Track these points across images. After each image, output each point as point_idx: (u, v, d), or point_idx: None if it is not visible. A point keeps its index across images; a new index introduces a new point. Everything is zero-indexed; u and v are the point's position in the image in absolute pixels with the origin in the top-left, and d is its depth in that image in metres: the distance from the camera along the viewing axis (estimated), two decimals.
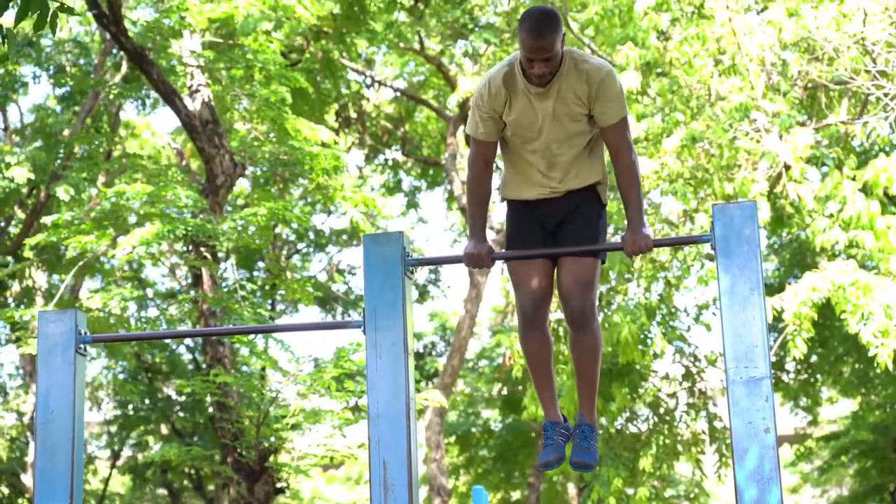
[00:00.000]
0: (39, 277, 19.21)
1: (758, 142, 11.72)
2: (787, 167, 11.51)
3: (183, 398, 21.22)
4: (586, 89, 4.92)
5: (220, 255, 13.83)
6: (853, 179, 11.74)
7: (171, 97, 13.11)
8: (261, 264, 21.83)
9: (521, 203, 5.16)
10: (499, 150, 5.21)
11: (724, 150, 11.87)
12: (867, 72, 11.73)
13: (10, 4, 4.70)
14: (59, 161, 17.26)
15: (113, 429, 23.28)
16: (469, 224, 5.20)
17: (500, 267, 19.38)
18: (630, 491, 15.24)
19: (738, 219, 4.48)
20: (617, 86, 4.95)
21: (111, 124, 18.84)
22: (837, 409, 23.68)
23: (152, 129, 21.69)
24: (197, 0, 13.41)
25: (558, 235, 5.09)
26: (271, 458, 12.05)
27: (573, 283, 5.00)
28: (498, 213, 21.23)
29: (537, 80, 4.89)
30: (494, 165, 5.21)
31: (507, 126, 5.05)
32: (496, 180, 5.40)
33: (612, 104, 4.93)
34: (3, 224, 19.19)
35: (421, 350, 25.23)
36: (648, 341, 13.14)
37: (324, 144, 14.00)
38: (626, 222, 5.20)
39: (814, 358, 18.30)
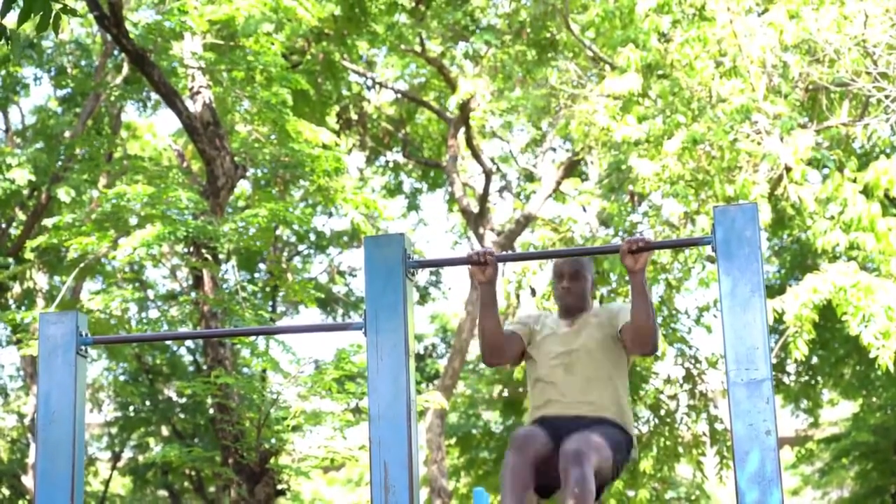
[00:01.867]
0: (40, 279, 19.22)
1: (759, 144, 11.72)
2: (788, 169, 11.50)
3: (184, 400, 21.23)
4: (607, 314, 5.30)
5: (220, 256, 13.83)
6: (854, 181, 11.74)
7: (172, 99, 13.11)
8: (262, 266, 21.84)
9: (541, 422, 5.24)
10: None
11: (724, 151, 11.88)
12: (868, 74, 11.73)
13: (13, 6, 4.71)
14: (60, 163, 17.27)
15: (114, 430, 23.29)
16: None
17: (500, 269, 19.34)
18: (631, 493, 15.25)
19: (739, 221, 4.48)
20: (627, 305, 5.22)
21: (112, 126, 18.85)
22: (838, 411, 23.67)
23: (153, 130, 21.70)
24: (198, 2, 13.42)
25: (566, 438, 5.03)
26: (272, 460, 12.05)
27: (575, 438, 4.94)
28: (499, 214, 21.25)
29: (566, 299, 5.29)
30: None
31: (532, 352, 5.32)
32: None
33: (624, 309, 5.25)
34: (3, 226, 19.19)
35: (422, 352, 25.24)
36: None
37: (325, 146, 14.00)
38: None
39: (815, 360, 18.31)
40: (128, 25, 12.96)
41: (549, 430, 5.10)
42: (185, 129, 13.76)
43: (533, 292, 14.14)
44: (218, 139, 13.37)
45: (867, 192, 11.67)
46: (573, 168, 18.78)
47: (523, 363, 5.44)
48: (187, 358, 22.43)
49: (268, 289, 20.85)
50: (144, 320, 18.73)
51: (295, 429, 11.72)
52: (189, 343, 21.24)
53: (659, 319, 13.55)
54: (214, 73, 14.01)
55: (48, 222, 14.00)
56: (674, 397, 15.61)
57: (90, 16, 12.84)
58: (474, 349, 23.72)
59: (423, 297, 22.96)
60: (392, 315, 4.62)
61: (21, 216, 18.97)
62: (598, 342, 5.22)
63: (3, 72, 17.83)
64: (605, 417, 5.16)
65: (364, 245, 4.77)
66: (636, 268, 4.88)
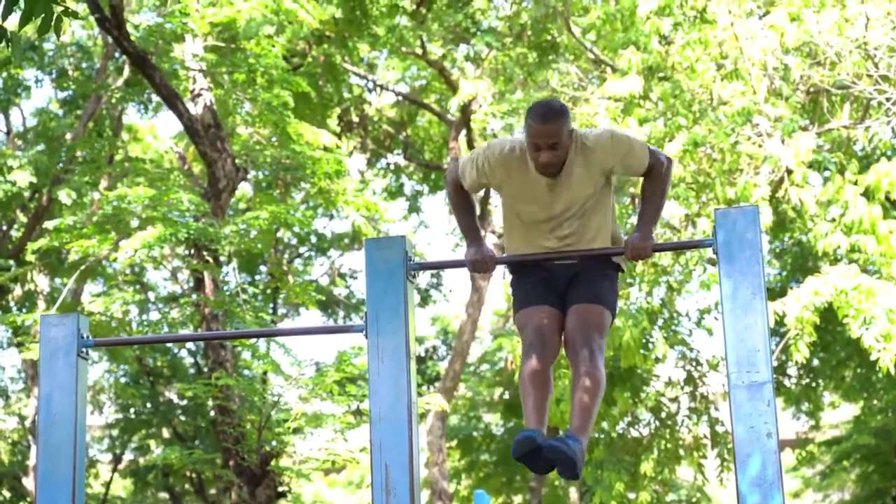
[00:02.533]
0: (41, 281, 19.21)
1: (760, 146, 11.71)
2: (789, 171, 11.50)
3: (184, 402, 21.21)
4: (600, 161, 4.90)
5: (221, 258, 13.83)
6: (855, 184, 11.73)
7: (173, 101, 13.11)
8: (263, 268, 21.82)
9: (527, 266, 5.06)
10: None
11: (726, 154, 11.88)
12: (869, 76, 11.73)
13: (14, 8, 4.71)
14: (61, 165, 17.28)
15: (114, 432, 23.28)
16: (464, 233, 5.11)
17: (501, 271, 19.36)
18: (632, 495, 15.24)
19: (740, 223, 4.48)
20: (624, 138, 4.94)
21: (113, 128, 18.85)
22: (839, 414, 23.65)
23: (155, 132, 21.71)
24: (199, 5, 13.43)
25: (568, 294, 4.98)
26: (273, 462, 12.05)
27: (579, 323, 4.90)
28: (498, 216, 21.22)
29: (543, 170, 4.84)
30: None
31: (510, 203, 5.00)
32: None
33: (631, 156, 4.93)
34: (5, 228, 19.19)
35: (423, 354, 25.22)
36: (650, 345, 13.14)
37: (326, 148, 14.00)
38: (626, 224, 5.21)
39: (816, 362, 18.29)
40: (129, 28, 12.96)
41: (550, 285, 4.98)
42: (186, 132, 13.76)
43: None
44: (219, 141, 13.37)
45: (868, 194, 11.67)
46: None
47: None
48: (188, 360, 22.43)
49: (269, 291, 20.84)
50: (145, 322, 18.72)
51: (296, 431, 11.72)
52: (190, 345, 21.23)
53: (660, 322, 13.54)
54: (216, 75, 14.02)
55: (49, 224, 14.01)
56: (675, 400, 15.60)
57: (91, 18, 12.85)
58: (475, 351, 23.75)
59: (424, 300, 22.95)
60: (393, 317, 4.62)
61: (22, 218, 18.97)
62: (587, 197, 4.91)
63: (5, 74, 17.82)
64: (602, 256, 5.00)
65: (365, 247, 4.77)
66: (647, 256, 4.92)
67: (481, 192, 5.32)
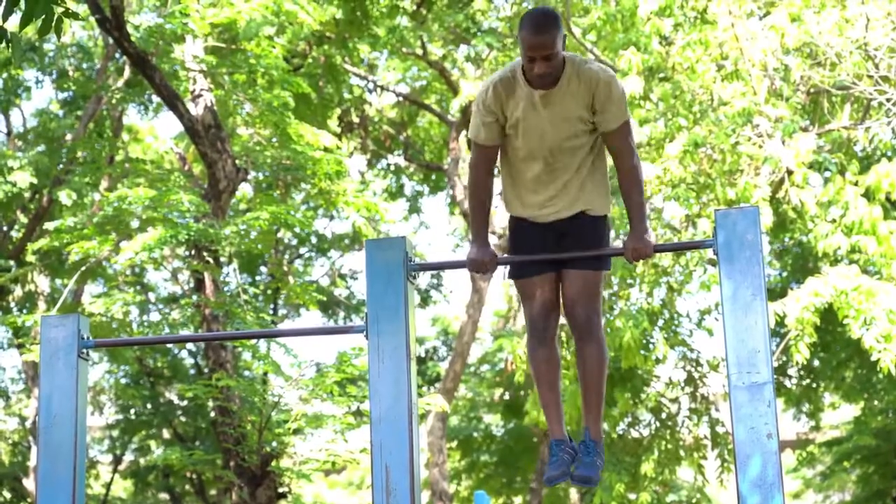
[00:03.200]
0: (42, 282, 19.22)
1: (760, 147, 11.71)
2: (790, 172, 11.50)
3: (185, 402, 21.22)
4: (588, 94, 4.92)
5: (222, 259, 13.83)
6: (855, 185, 11.73)
7: (173, 102, 13.11)
8: (263, 269, 21.83)
9: (523, 219, 5.18)
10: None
11: (726, 155, 11.88)
12: (869, 77, 11.73)
13: (15, 9, 4.71)
14: (61, 165, 17.28)
15: (115, 433, 23.29)
16: (472, 229, 5.20)
17: (502, 272, 19.35)
18: (632, 496, 15.24)
19: (741, 224, 4.48)
20: (619, 90, 4.95)
21: (114, 129, 18.86)
22: (840, 415, 23.65)
23: (155, 133, 21.72)
24: (199, 5, 13.43)
25: (561, 247, 5.08)
26: (273, 463, 12.05)
27: (577, 293, 5.01)
28: (500, 217, 21.23)
29: (538, 81, 4.87)
30: (496, 171, 5.21)
31: (509, 130, 5.03)
32: (497, 185, 5.39)
33: (614, 108, 4.94)
34: (5, 228, 19.20)
35: (423, 355, 25.23)
36: (651, 346, 13.14)
37: (326, 149, 14.01)
38: (627, 225, 5.21)
39: (816, 363, 18.29)
40: (129, 28, 12.96)
41: (546, 241, 5.07)
42: (186, 132, 13.76)
43: None
44: (219, 142, 13.37)
45: (868, 195, 11.67)
46: None
47: None
48: (188, 361, 22.43)
49: (269, 292, 20.85)
50: (146, 323, 18.72)
51: (296, 432, 11.72)
52: (190, 346, 21.24)
53: (660, 322, 13.54)
54: (216, 76, 14.02)
55: (49, 225, 14.01)
56: (675, 400, 15.59)
57: (92, 19, 12.85)
58: (476, 352, 23.76)
59: (425, 300, 22.96)
60: (393, 318, 4.62)
61: (22, 219, 18.98)
62: (575, 120, 4.94)
63: (5, 75, 17.84)
64: (596, 215, 5.10)
65: (365, 248, 4.77)
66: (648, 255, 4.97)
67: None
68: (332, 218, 21.34)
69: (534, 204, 5.09)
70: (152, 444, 23.56)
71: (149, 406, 21.91)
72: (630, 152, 5.01)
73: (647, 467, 15.02)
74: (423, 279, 22.34)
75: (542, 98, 4.91)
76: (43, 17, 4.70)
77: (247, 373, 17.60)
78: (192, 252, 13.57)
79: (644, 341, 12.92)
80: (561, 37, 4.85)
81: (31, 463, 19.51)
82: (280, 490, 12.29)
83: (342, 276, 22.68)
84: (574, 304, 5.01)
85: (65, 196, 16.03)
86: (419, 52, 18.95)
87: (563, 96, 4.92)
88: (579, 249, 5.03)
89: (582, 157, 5.04)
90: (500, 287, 22.07)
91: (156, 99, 17.40)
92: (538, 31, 4.79)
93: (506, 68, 5.04)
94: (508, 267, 5.26)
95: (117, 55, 17.56)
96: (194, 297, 14.00)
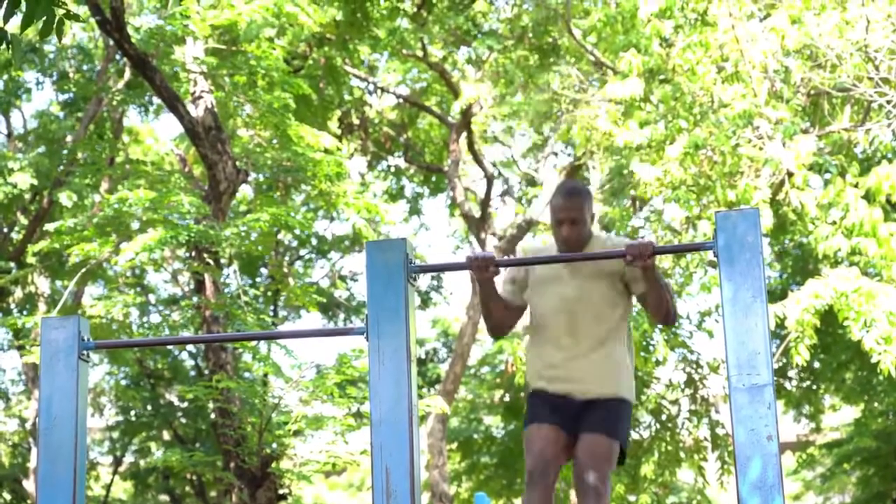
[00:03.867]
0: (42, 283, 19.22)
1: (760, 149, 11.72)
2: (790, 174, 11.50)
3: (185, 404, 21.23)
4: (615, 266, 5.08)
5: (222, 261, 13.83)
6: (856, 187, 11.73)
7: (174, 103, 13.12)
8: (263, 270, 21.84)
9: (543, 395, 5.19)
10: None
11: (726, 157, 11.88)
12: (870, 79, 11.73)
13: (16, 11, 4.71)
14: (61, 167, 17.28)
15: (115, 435, 23.30)
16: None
17: (502, 274, 19.33)
18: (632, 497, 15.25)
19: (741, 226, 4.48)
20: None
21: (114, 130, 18.86)
22: (840, 417, 23.65)
23: (155, 135, 21.72)
24: (200, 7, 13.43)
25: (580, 420, 5.09)
26: (273, 465, 12.05)
27: (588, 457, 5.02)
28: (500, 219, 21.24)
29: (564, 243, 5.06)
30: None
31: (532, 295, 5.17)
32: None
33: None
34: (5, 230, 19.20)
35: (423, 356, 25.23)
36: (651, 348, 13.14)
37: (326, 151, 14.01)
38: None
39: (816, 365, 18.29)
40: (130, 30, 12.97)
41: (558, 416, 5.09)
42: (186, 134, 13.76)
43: None
44: (220, 144, 13.38)
45: (869, 197, 11.67)
46: (575, 173, 18.78)
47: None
48: (189, 362, 22.44)
49: (269, 293, 20.85)
50: (146, 325, 18.73)
51: (296, 433, 11.72)
52: (190, 347, 21.25)
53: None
54: (216, 77, 14.02)
55: (50, 227, 14.01)
56: (675, 402, 15.60)
57: (92, 20, 12.84)
58: (476, 353, 23.75)
59: (425, 302, 22.97)
60: (393, 320, 4.62)
61: (23, 220, 18.98)
62: (602, 295, 5.08)
63: (6, 76, 17.85)
64: (613, 397, 5.11)
65: (366, 250, 4.76)
66: (647, 267, 4.92)
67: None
68: (332, 219, 21.36)
69: (555, 378, 5.14)
70: (152, 445, 23.57)
71: (149, 408, 21.91)
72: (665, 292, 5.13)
73: (647, 469, 15.03)
74: (424, 281, 22.34)
75: (570, 268, 5.09)
76: (44, 18, 4.70)
77: (247, 374, 17.60)
78: (193, 253, 13.57)
79: (644, 343, 12.92)
80: (590, 208, 5.10)
81: (32, 464, 19.51)
82: (280, 492, 12.28)
83: (342, 278, 22.69)
84: (583, 468, 5.00)
85: (65, 198, 16.04)
86: (420, 53, 18.96)
87: (590, 267, 5.08)
88: (598, 415, 5.05)
89: (607, 329, 5.10)
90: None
91: (156, 100, 17.39)
92: (568, 195, 5.08)
93: (538, 238, 5.27)
94: (524, 425, 5.26)
95: (118, 57, 17.56)
96: (194, 299, 14.00)
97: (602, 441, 5.02)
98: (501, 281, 5.27)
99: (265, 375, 13.74)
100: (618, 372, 5.15)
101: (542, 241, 5.34)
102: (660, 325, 5.27)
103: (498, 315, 5.20)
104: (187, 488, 23.56)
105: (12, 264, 17.43)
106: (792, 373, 18.79)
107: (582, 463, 5.00)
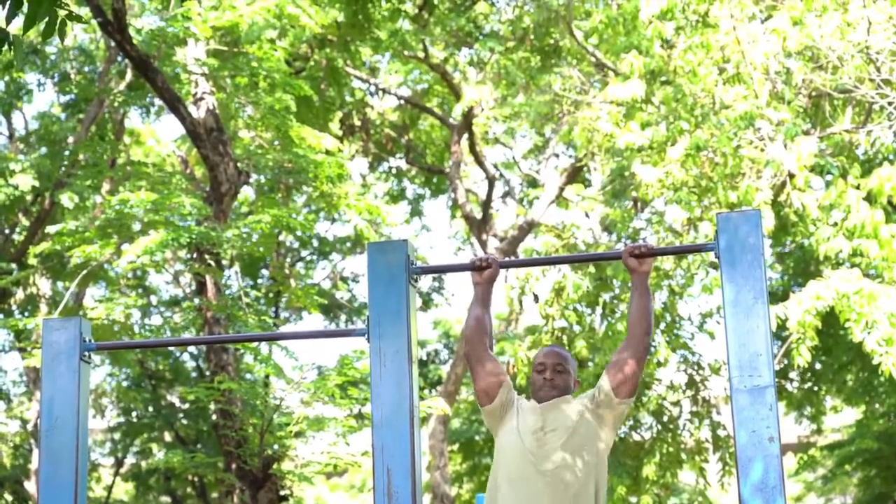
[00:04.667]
0: (44, 285, 19.23)
1: (762, 150, 11.71)
2: (792, 176, 11.50)
3: (186, 405, 21.24)
4: (589, 396, 4.92)
5: (224, 262, 13.84)
6: (857, 188, 11.73)
7: (175, 105, 13.13)
8: (265, 272, 21.84)
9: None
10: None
11: (728, 158, 11.87)
12: (871, 80, 11.72)
13: (18, 12, 4.71)
14: (63, 168, 17.29)
15: (117, 436, 23.30)
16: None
17: (503, 275, 19.37)
18: (633, 499, 15.23)
19: (743, 228, 4.48)
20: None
21: (116, 132, 18.87)
22: (841, 418, 23.64)
23: (157, 136, 21.73)
24: (201, 9, 13.44)
25: None
26: (275, 466, 12.05)
27: None
28: (502, 220, 21.26)
29: (544, 391, 4.92)
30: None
31: (505, 430, 4.93)
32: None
33: (597, 389, 4.91)
34: (7, 231, 19.21)
35: (424, 358, 25.23)
36: (652, 349, 13.14)
37: (328, 152, 14.02)
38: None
39: (818, 366, 18.29)
40: (131, 31, 12.98)
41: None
42: (188, 135, 13.77)
43: (535, 298, 14.14)
44: (221, 145, 13.38)
45: (870, 198, 11.67)
46: (576, 174, 18.79)
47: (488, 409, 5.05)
48: (190, 364, 22.44)
49: (271, 295, 20.86)
50: (147, 326, 18.73)
51: (298, 434, 11.72)
52: (192, 349, 21.25)
53: (662, 325, 13.54)
54: (218, 79, 14.03)
55: (51, 228, 14.02)
56: (676, 403, 15.58)
57: (94, 22, 12.85)
58: None
59: (426, 303, 22.96)
60: (395, 321, 4.62)
61: (24, 222, 18.99)
62: (573, 421, 4.83)
63: (7, 77, 17.85)
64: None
65: (367, 251, 4.77)
66: (641, 269, 4.87)
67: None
68: (333, 221, 21.36)
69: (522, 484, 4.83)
70: (154, 446, 23.57)
71: (150, 409, 21.91)
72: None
73: (649, 470, 15.01)
74: (425, 282, 22.34)
75: (544, 407, 4.89)
76: (46, 19, 4.70)
77: (248, 376, 17.60)
78: (194, 255, 13.58)
79: None
80: (573, 367, 5.04)
81: (33, 466, 19.51)
82: (282, 493, 12.29)
83: (344, 279, 22.69)
84: None
85: (67, 199, 16.05)
86: (421, 55, 18.96)
87: (564, 405, 4.91)
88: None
89: (581, 479, 4.78)
90: (502, 290, 22.07)
91: (158, 102, 17.41)
92: (554, 348, 5.09)
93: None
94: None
95: (119, 58, 17.57)
96: (196, 300, 14.01)
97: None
98: (499, 385, 4.99)
99: (266, 377, 13.74)
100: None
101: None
102: (633, 343, 4.99)
103: (482, 316, 5.02)
104: (189, 490, 23.56)
105: (14, 266, 17.43)
106: (793, 374, 18.78)
107: None
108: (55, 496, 4.74)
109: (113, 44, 16.04)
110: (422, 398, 15.02)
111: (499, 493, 4.83)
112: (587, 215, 16.24)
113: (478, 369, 5.00)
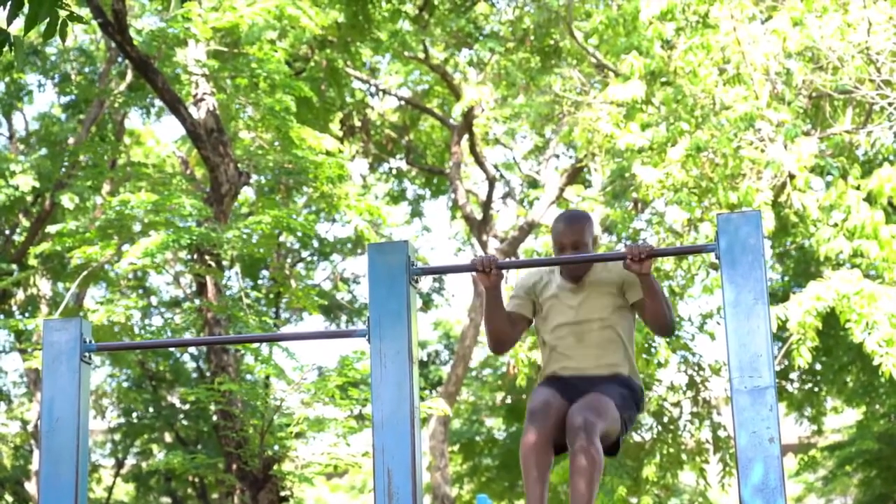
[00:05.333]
0: (44, 286, 19.23)
1: (762, 151, 11.72)
2: (792, 176, 11.50)
3: (187, 406, 21.24)
4: (615, 277, 5.12)
5: (224, 263, 13.84)
6: (857, 189, 11.73)
7: (175, 106, 13.13)
8: (265, 272, 21.84)
9: (553, 380, 5.19)
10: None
11: (728, 159, 11.88)
12: (871, 81, 11.73)
13: (19, 13, 4.71)
14: (63, 169, 17.30)
15: (117, 437, 23.30)
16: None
17: (504, 276, 19.35)
18: (634, 500, 15.24)
19: (743, 228, 4.47)
20: None
21: (116, 133, 18.87)
22: (842, 419, 23.64)
23: (157, 137, 21.74)
24: (202, 10, 13.44)
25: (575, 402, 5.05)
26: (275, 467, 12.05)
27: (582, 405, 4.96)
28: (502, 221, 21.26)
29: (568, 271, 5.14)
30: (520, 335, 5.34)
31: (543, 324, 5.22)
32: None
33: (637, 285, 5.07)
34: (7, 232, 19.21)
35: (425, 359, 25.23)
36: (653, 350, 13.14)
37: (328, 153, 14.02)
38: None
39: (818, 367, 18.29)
40: (132, 32, 12.98)
41: (563, 388, 5.10)
42: (188, 136, 13.77)
43: None
44: (221, 146, 13.38)
45: (871, 199, 11.67)
46: (576, 175, 18.79)
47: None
48: (191, 365, 22.44)
49: (271, 295, 20.86)
50: (148, 327, 18.74)
51: (298, 435, 11.72)
52: (192, 350, 21.26)
53: None
54: (218, 80, 14.03)
55: (52, 229, 14.02)
56: (677, 404, 15.60)
57: (94, 23, 12.85)
58: (477, 356, 23.75)
59: (427, 304, 22.97)
60: (395, 322, 4.62)
61: (25, 223, 18.99)
62: (608, 310, 5.14)
63: (7, 78, 17.86)
64: (618, 374, 5.14)
65: (368, 252, 4.77)
66: (642, 272, 4.88)
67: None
68: (333, 222, 21.36)
69: (564, 360, 5.18)
70: (154, 447, 23.57)
71: (151, 410, 21.92)
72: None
73: (649, 471, 15.02)
74: (426, 283, 22.34)
75: (573, 289, 5.16)
76: (47, 20, 4.71)
77: (249, 376, 17.59)
78: (195, 256, 13.58)
79: (646, 345, 12.92)
80: (591, 233, 5.16)
81: (34, 467, 19.52)
82: (282, 494, 12.29)
83: (344, 280, 22.69)
84: (575, 412, 4.93)
85: (67, 200, 16.05)
86: (421, 56, 18.97)
87: (595, 284, 5.15)
88: (598, 387, 5.04)
89: (612, 330, 5.16)
90: (503, 291, 22.07)
91: (158, 103, 17.41)
92: (570, 222, 5.16)
93: (542, 268, 5.37)
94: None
95: (120, 59, 17.58)
96: (196, 301, 14.01)
97: (600, 400, 4.97)
98: (508, 296, 5.31)
99: (267, 378, 13.75)
100: (627, 357, 5.20)
101: (539, 270, 5.32)
102: (658, 337, 5.22)
103: (501, 327, 5.17)
104: (189, 490, 23.56)
105: (14, 266, 17.44)
106: (794, 375, 18.78)
107: (573, 413, 4.92)
108: (55, 497, 4.74)
109: (113, 45, 16.04)
110: (422, 399, 15.02)
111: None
112: None
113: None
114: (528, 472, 4.94)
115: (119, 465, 23.72)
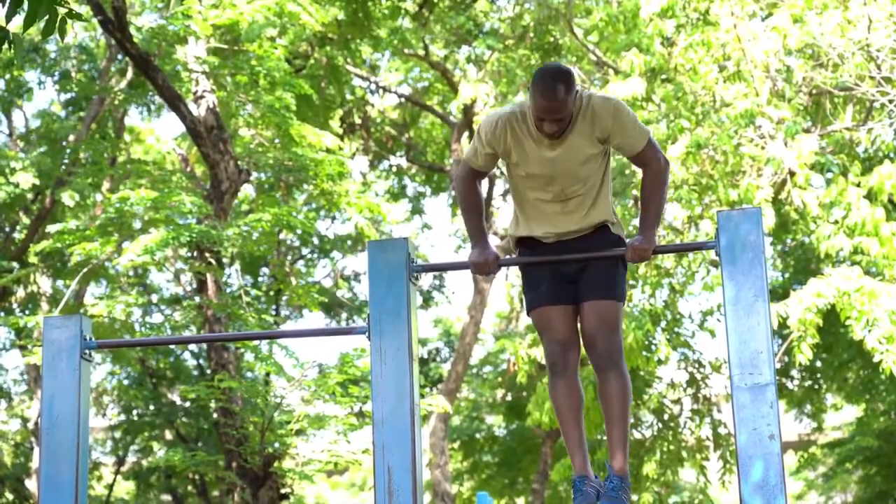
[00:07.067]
0: (44, 283, 19.22)
1: (762, 148, 11.71)
2: (792, 173, 11.50)
3: (187, 404, 21.22)
4: (596, 128, 4.89)
5: (224, 260, 13.83)
6: (858, 186, 11.73)
7: (175, 103, 13.12)
8: (265, 270, 21.84)
9: (534, 247, 5.08)
10: (506, 193, 5.21)
11: (728, 156, 11.87)
12: (872, 78, 11.72)
13: (18, 10, 4.71)
14: (64, 167, 17.29)
15: (117, 434, 23.29)
16: (470, 234, 5.13)
17: (504, 273, 19.40)
18: (634, 497, 15.24)
19: (743, 226, 4.48)
20: (627, 115, 4.91)
21: (116, 130, 18.87)
22: (842, 416, 23.65)
23: (157, 134, 21.72)
24: (202, 7, 13.43)
25: (580, 284, 5.01)
26: (276, 464, 12.05)
27: (597, 325, 4.94)
28: (501, 219, 21.24)
29: (548, 136, 4.89)
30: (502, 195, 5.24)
31: (516, 170, 5.02)
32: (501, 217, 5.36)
33: (632, 133, 4.92)
34: (8, 230, 19.21)
35: (425, 356, 25.22)
36: (653, 347, 13.14)
37: (328, 150, 14.01)
38: (629, 226, 5.20)
39: (818, 364, 18.29)
40: (132, 30, 12.97)
41: (557, 282, 5.02)
42: (188, 134, 13.77)
43: None
44: (222, 143, 13.38)
45: (871, 196, 11.67)
46: None
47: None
48: (191, 362, 22.43)
49: (271, 293, 20.85)
50: (148, 324, 18.73)
51: (298, 433, 11.73)
52: (193, 347, 21.24)
53: (662, 324, 13.54)
54: (218, 77, 14.02)
55: (52, 227, 14.02)
56: (677, 402, 15.60)
57: (94, 20, 12.85)
58: (478, 353, 23.76)
59: (427, 302, 22.96)
60: (396, 319, 4.62)
61: (25, 220, 18.99)
62: (585, 157, 4.91)
63: (8, 76, 17.85)
64: (604, 227, 5.03)
65: (368, 249, 4.77)
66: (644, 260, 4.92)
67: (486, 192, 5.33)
68: (334, 219, 21.35)
69: (546, 224, 5.03)
70: (155, 445, 23.56)
71: (151, 407, 21.90)
72: (656, 160, 4.98)
73: (650, 468, 15.03)
74: (426, 280, 22.33)
75: (551, 144, 4.91)
76: (46, 17, 4.70)
77: (249, 374, 17.60)
78: (195, 253, 13.58)
79: (646, 343, 12.92)
80: (573, 95, 4.82)
81: (34, 464, 19.52)
82: (282, 491, 12.29)
83: (344, 278, 22.68)
84: (594, 338, 4.94)
85: (67, 197, 16.05)
86: (421, 53, 18.96)
87: (573, 137, 4.91)
88: (599, 280, 4.97)
89: (591, 183, 5.00)
90: (503, 288, 22.07)
91: (158, 100, 17.40)
92: (551, 95, 4.75)
93: (515, 106, 5.00)
94: (526, 305, 5.21)
95: (120, 56, 17.57)
96: (196, 299, 14.00)
97: (606, 306, 4.95)
98: (478, 146, 5.04)
99: (267, 375, 13.76)
100: (606, 211, 5.05)
101: (513, 112, 4.99)
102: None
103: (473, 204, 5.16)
104: (189, 488, 23.56)
105: (15, 264, 17.43)
106: (794, 372, 18.78)
107: (592, 334, 4.94)
108: (56, 494, 4.74)
109: (113, 42, 16.04)
110: (422, 396, 15.02)
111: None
112: None
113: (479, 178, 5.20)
114: (563, 419, 5.04)
115: (119, 462, 23.71)
